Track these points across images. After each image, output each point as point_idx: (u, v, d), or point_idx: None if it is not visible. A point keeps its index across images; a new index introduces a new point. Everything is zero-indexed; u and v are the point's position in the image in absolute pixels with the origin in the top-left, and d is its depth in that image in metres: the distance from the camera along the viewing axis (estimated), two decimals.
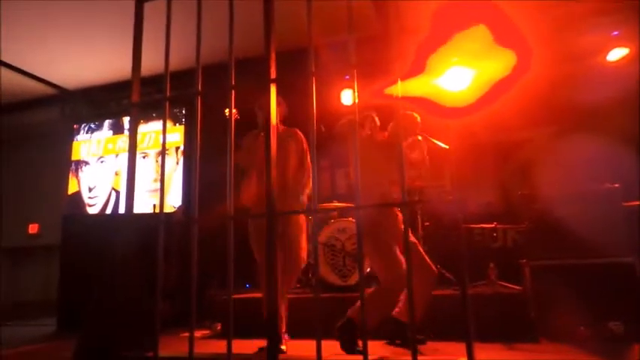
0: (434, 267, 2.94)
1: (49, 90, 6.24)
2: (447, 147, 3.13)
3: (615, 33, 4.39)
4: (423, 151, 3.09)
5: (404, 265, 2.72)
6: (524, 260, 3.39)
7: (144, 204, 5.52)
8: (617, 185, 3.46)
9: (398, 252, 2.81)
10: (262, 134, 3.18)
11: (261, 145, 3.13)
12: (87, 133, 6.51)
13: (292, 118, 3.28)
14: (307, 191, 3.20)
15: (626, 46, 4.38)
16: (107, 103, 6.24)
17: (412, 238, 2.88)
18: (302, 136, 3.32)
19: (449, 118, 3.53)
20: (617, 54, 4.47)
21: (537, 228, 3.46)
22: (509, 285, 3.76)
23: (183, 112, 5.93)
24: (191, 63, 2.29)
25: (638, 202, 3.45)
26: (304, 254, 3.14)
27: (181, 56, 3.19)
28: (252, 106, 3.36)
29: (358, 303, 2.82)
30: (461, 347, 1.38)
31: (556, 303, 3.19)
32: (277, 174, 1.83)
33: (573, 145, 4.32)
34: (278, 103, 3.00)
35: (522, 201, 3.67)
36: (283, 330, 3.01)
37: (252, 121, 3.39)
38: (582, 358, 2.68)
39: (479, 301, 3.30)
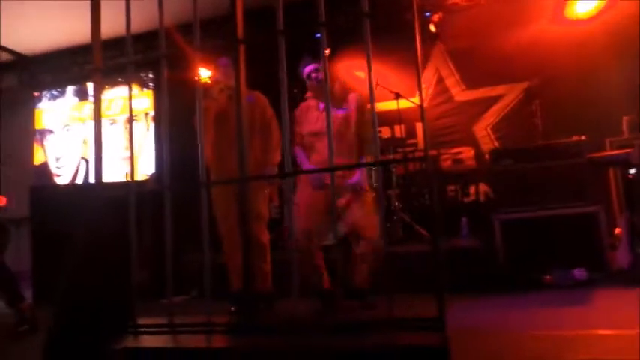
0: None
1: (5, 56, 5.90)
2: (420, 104, 3.13)
3: None
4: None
5: None
6: (494, 214, 3.50)
7: (116, 172, 5.41)
8: (583, 137, 3.56)
9: None
10: (220, 93, 3.06)
11: (218, 104, 3.03)
12: (50, 100, 6.24)
13: (262, 79, 3.18)
14: (277, 158, 3.07)
15: None
16: (69, 68, 5.95)
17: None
18: (264, 100, 3.16)
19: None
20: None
21: (507, 182, 3.55)
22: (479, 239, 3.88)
23: (151, 75, 5.72)
24: (156, 24, 2.18)
25: (601, 154, 3.57)
26: (264, 223, 3.08)
27: (145, 17, 3.03)
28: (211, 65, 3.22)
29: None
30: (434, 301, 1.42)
31: (524, 254, 3.33)
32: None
33: (545, 99, 4.38)
34: (229, 65, 2.89)
35: (493, 156, 3.75)
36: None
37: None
38: (548, 304, 2.83)
39: (451, 255, 3.41)
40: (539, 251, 3.29)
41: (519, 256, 3.34)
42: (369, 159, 2.94)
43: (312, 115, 3.04)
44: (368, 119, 2.94)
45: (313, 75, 3.01)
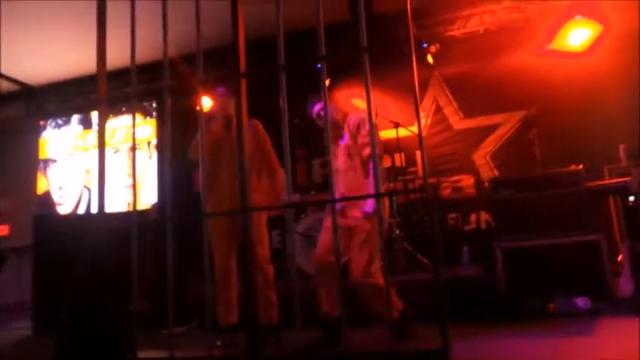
0: None
1: (13, 86, 6.02)
2: (418, 133, 3.17)
3: None
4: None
5: None
6: (496, 242, 3.50)
7: (118, 200, 5.42)
8: (580, 166, 3.58)
9: None
10: (215, 122, 3.08)
11: (215, 135, 3.05)
12: (54, 128, 6.32)
13: (260, 109, 3.21)
14: (282, 192, 3.01)
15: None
16: (74, 97, 6.05)
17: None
18: (262, 130, 3.15)
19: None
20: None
21: (508, 211, 3.56)
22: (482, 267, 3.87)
23: (154, 105, 5.81)
24: (160, 55, 2.24)
25: (600, 182, 3.59)
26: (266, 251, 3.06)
27: (148, 48, 3.11)
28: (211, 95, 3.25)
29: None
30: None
31: (527, 282, 3.31)
32: (233, 171, 1.80)
33: (543, 128, 4.44)
34: (231, 97, 2.94)
35: (493, 185, 3.77)
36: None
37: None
38: (552, 335, 2.80)
39: (453, 284, 3.39)
40: (542, 280, 3.27)
41: (522, 284, 3.32)
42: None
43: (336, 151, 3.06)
44: (361, 142, 2.95)
45: (322, 113, 3.04)
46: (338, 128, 3.07)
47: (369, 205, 2.79)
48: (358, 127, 2.98)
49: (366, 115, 3.06)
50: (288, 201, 1.84)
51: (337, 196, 2.84)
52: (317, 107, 3.08)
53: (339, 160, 3.02)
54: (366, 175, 2.88)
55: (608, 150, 4.02)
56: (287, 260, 4.18)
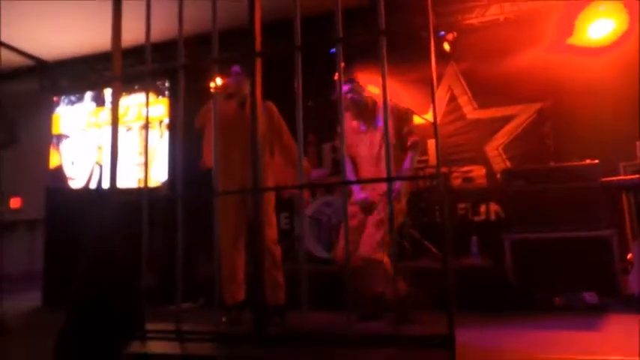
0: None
1: (28, 61, 6.04)
2: (432, 121, 3.14)
3: None
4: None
5: None
6: (505, 233, 3.48)
7: (130, 177, 5.47)
8: (596, 161, 3.53)
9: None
10: (229, 99, 3.07)
11: (227, 111, 3.03)
12: (68, 105, 6.36)
13: (278, 90, 3.20)
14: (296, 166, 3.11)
15: None
16: (88, 75, 6.07)
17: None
18: (277, 112, 3.15)
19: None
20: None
21: (519, 202, 3.53)
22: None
23: (167, 84, 5.82)
24: (174, 34, 2.23)
25: (614, 178, 3.54)
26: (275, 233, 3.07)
27: (163, 27, 3.09)
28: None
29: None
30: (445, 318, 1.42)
31: (535, 275, 3.30)
32: (245, 149, 1.78)
33: (558, 121, 4.38)
34: (246, 77, 2.91)
35: (505, 176, 3.74)
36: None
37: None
38: (557, 327, 2.80)
39: (461, 274, 3.38)
40: (550, 273, 3.26)
41: (530, 277, 3.31)
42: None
43: (355, 138, 3.07)
44: (407, 130, 3.00)
45: (349, 96, 3.01)
46: (367, 111, 3.04)
47: (397, 184, 2.83)
48: (404, 119, 3.01)
49: (406, 108, 3.09)
50: (300, 182, 1.84)
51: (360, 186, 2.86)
52: (345, 88, 3.05)
53: (366, 147, 3.00)
54: (401, 163, 2.93)
55: (625, 146, 3.96)
56: (295, 242, 4.20)
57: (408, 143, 2.96)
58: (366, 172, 3.01)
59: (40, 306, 4.03)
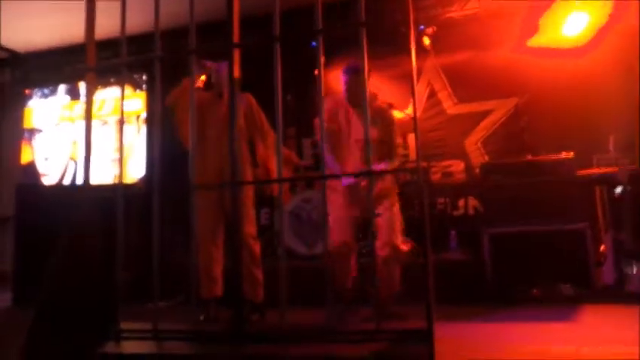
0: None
1: None
2: (413, 116, 3.14)
3: None
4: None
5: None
6: (483, 228, 3.52)
7: (105, 173, 5.34)
8: (571, 154, 3.60)
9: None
10: (209, 92, 3.03)
11: (204, 101, 2.96)
12: (41, 98, 6.17)
13: (257, 84, 3.16)
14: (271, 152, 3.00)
15: None
16: (62, 67, 5.89)
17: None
18: (255, 102, 3.10)
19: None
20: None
21: (496, 196, 3.57)
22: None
23: (144, 78, 5.69)
24: (151, 26, 2.17)
25: (588, 171, 3.62)
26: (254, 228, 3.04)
27: (140, 19, 3.01)
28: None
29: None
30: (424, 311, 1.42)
31: (512, 268, 3.34)
32: (223, 142, 1.75)
33: (535, 115, 4.44)
34: (223, 69, 2.86)
35: (483, 170, 3.77)
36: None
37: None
38: (534, 319, 2.84)
39: (440, 268, 3.41)
40: (527, 266, 3.31)
41: (507, 270, 3.35)
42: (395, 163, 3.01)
43: (348, 118, 2.99)
44: (391, 126, 3.03)
45: (345, 78, 3.00)
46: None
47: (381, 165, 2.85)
48: (382, 117, 3.00)
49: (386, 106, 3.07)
50: (279, 176, 1.82)
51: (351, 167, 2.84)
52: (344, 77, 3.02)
53: (351, 128, 2.96)
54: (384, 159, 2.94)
55: (598, 139, 4.04)
56: (274, 237, 4.17)
57: (386, 158, 2.95)
58: (348, 155, 2.96)
59: (10, 307, 3.90)
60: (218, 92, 3.00)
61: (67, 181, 5.78)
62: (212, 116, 2.92)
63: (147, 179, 5.20)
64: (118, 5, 2.19)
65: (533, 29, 4.61)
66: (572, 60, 4.54)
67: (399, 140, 3.16)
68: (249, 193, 2.93)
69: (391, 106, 3.15)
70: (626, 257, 3.29)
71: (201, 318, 2.78)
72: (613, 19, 4.40)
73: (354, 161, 2.92)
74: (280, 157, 1.89)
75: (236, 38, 1.93)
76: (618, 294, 3.15)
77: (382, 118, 3.01)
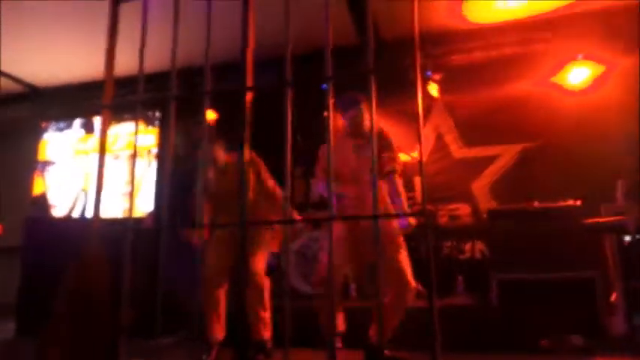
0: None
1: (19, 87, 6.04)
2: (419, 159, 3.18)
3: None
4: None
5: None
6: (491, 273, 3.48)
7: (114, 207, 5.40)
8: (578, 202, 3.59)
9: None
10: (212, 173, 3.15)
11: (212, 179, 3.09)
12: (56, 131, 6.32)
13: (267, 128, 3.22)
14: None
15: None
16: (79, 102, 6.08)
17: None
18: (257, 159, 3.16)
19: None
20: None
21: (504, 241, 3.55)
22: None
23: (157, 114, 5.84)
24: (167, 65, 2.26)
25: (597, 219, 3.59)
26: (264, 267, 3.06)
27: (157, 58, 3.13)
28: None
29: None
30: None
31: (520, 315, 3.27)
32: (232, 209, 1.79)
33: (541, 162, 4.47)
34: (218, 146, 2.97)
35: (490, 216, 3.77)
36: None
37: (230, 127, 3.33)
38: None
39: (446, 313, 3.35)
40: (536, 314, 3.24)
41: (516, 317, 3.28)
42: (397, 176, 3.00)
43: (351, 156, 3.02)
44: (386, 140, 3.06)
45: (351, 114, 3.06)
46: (363, 134, 3.05)
47: (403, 221, 2.87)
48: (384, 146, 3.03)
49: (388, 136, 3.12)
50: (287, 217, 1.83)
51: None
52: (351, 113, 3.07)
53: (352, 159, 2.98)
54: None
55: (605, 186, 4.03)
56: (280, 277, 4.14)
57: (386, 167, 2.96)
58: (348, 184, 2.96)
59: (12, 338, 3.87)
60: (221, 170, 3.16)
61: (76, 213, 5.84)
62: (221, 189, 3.01)
63: (155, 214, 5.23)
64: (136, 44, 2.29)
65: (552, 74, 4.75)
66: (578, 104, 4.61)
67: (395, 154, 3.16)
68: (261, 230, 2.96)
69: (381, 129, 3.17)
70: (637, 307, 3.22)
71: (204, 358, 2.74)
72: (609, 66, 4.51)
73: (357, 185, 2.94)
74: (289, 198, 1.92)
75: (250, 81, 1.99)
76: (630, 345, 3.06)
77: (379, 138, 3.04)
